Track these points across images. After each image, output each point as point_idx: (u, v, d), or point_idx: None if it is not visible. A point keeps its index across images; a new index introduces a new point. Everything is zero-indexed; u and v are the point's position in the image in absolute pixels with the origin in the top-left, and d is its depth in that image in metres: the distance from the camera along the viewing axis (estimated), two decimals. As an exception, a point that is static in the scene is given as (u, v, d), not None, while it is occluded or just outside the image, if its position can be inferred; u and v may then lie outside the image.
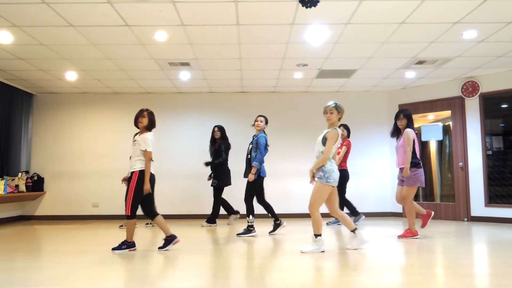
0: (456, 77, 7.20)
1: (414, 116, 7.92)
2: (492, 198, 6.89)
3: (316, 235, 4.18)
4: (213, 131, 6.70)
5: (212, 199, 6.69)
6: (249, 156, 5.59)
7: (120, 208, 7.83)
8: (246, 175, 5.58)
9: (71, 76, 6.91)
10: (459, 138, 7.28)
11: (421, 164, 5.05)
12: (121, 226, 6.67)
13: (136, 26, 4.83)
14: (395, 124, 5.23)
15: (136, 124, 4.36)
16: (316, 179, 4.26)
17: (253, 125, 5.66)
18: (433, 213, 5.27)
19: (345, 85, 7.76)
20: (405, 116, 5.10)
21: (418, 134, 8.05)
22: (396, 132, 5.25)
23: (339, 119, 4.33)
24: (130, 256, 4.03)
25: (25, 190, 7.38)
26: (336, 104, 4.29)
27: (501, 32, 5.05)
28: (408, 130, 5.02)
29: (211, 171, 6.69)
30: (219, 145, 6.55)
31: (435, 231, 5.71)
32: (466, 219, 6.99)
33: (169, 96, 8.23)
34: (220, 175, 6.51)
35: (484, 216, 6.87)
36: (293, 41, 5.38)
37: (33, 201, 7.88)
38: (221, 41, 5.34)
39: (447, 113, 7.51)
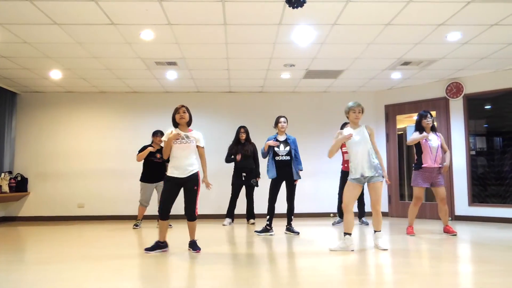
0: (440, 78, 7.31)
1: (400, 117, 8.07)
2: (476, 198, 7.01)
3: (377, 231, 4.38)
4: (239, 132, 6.84)
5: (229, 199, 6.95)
6: (284, 158, 5.50)
7: (106, 208, 7.75)
8: (284, 176, 5.53)
9: (55, 75, 6.80)
10: (444, 139, 7.36)
11: None
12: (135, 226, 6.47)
13: (122, 25, 4.78)
14: (421, 122, 5.43)
15: (177, 121, 4.26)
16: (376, 179, 4.27)
17: (275, 126, 5.67)
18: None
19: (332, 86, 7.81)
20: (431, 116, 5.48)
21: (404, 135, 8.16)
22: (421, 130, 5.43)
23: None
24: (119, 257, 3.99)
25: (8, 191, 7.24)
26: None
27: (485, 34, 5.14)
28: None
29: (243, 172, 6.75)
30: (253, 147, 6.90)
31: (420, 229, 5.78)
32: (450, 218, 7.10)
33: (156, 96, 8.16)
34: (256, 175, 6.83)
35: (468, 215, 6.98)
36: (280, 42, 5.39)
37: (16, 202, 7.74)
38: (208, 40, 5.32)
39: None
